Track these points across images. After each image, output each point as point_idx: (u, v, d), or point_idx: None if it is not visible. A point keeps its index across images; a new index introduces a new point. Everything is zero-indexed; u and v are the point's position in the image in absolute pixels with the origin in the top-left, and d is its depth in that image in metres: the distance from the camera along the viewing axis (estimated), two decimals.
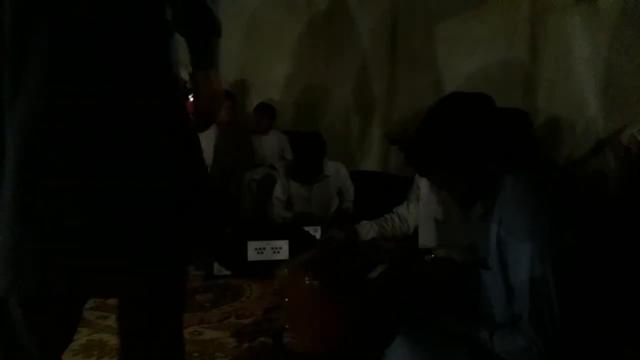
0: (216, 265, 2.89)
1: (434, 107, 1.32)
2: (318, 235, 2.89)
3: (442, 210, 1.83)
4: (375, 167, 4.16)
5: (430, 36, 3.80)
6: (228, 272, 2.88)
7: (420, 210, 1.78)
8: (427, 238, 1.88)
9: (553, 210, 1.18)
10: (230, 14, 4.41)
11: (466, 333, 1.29)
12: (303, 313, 1.74)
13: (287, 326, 1.79)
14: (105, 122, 0.98)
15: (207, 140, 3.52)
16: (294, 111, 4.50)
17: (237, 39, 4.40)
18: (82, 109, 0.97)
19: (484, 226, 1.24)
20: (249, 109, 4.37)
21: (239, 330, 2.17)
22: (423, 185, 1.90)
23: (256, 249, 2.90)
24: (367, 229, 2.17)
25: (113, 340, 2.04)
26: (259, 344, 1.97)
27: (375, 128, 4.16)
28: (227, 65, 4.47)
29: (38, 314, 1.03)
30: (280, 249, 2.90)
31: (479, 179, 1.25)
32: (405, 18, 3.90)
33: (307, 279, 1.69)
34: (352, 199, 3.53)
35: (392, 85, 4.04)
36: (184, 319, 2.29)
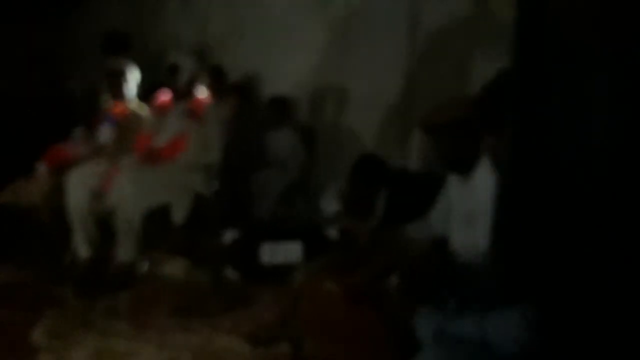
0: (229, 269, 2.81)
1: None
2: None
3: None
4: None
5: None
6: (239, 276, 2.80)
7: (454, 216, 1.60)
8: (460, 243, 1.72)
9: None
10: (247, 12, 4.41)
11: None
12: (324, 321, 1.67)
13: (305, 334, 1.72)
14: None
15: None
16: (309, 106, 4.34)
17: (253, 32, 4.30)
18: None
19: None
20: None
21: (253, 336, 2.09)
22: (453, 187, 1.69)
23: (269, 252, 2.82)
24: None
25: (122, 347, 1.98)
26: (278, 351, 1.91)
27: (395, 122, 4.04)
28: (239, 59, 4.36)
29: None
30: (294, 251, 2.81)
31: None
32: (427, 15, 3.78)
33: (327, 286, 1.63)
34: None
35: (411, 80, 3.92)
36: (196, 324, 2.22)
